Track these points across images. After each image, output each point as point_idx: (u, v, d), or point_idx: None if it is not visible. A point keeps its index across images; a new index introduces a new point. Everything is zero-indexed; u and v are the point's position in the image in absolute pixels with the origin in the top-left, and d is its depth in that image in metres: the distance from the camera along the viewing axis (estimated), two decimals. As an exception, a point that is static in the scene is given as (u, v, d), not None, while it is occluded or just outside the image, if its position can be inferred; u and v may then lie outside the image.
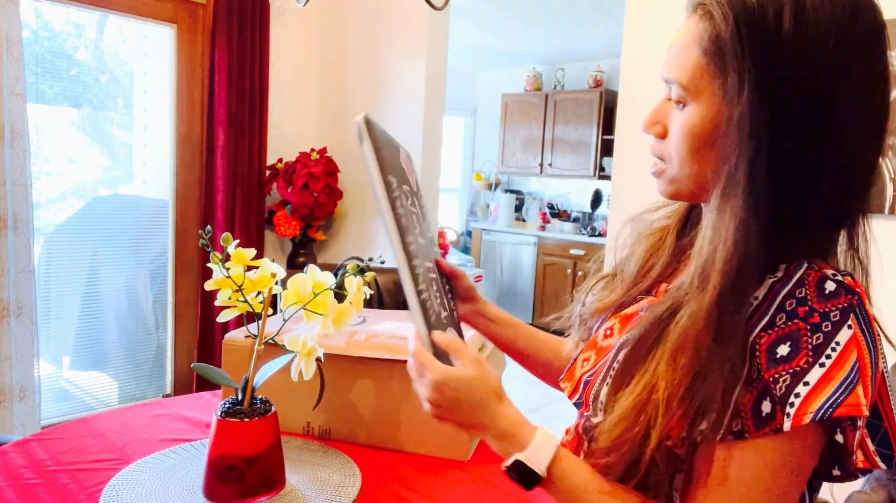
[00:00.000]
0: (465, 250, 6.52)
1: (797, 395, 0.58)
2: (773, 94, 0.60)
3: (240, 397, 1.06)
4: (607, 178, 5.30)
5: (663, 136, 0.71)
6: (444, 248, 5.12)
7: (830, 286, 0.61)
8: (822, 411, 0.57)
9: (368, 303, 1.75)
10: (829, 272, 0.62)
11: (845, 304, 0.60)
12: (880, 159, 0.67)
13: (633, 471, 0.66)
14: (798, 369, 0.58)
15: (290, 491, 1.07)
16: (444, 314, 0.78)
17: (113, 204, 3.04)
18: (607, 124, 5.35)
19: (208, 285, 1.09)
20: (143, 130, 3.06)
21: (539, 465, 0.66)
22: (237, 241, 1.10)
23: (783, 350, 0.59)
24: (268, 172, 3.26)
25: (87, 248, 2.93)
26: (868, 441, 0.64)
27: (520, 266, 5.79)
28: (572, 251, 5.42)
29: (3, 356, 2.47)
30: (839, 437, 0.59)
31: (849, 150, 0.63)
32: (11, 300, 2.46)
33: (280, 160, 3.30)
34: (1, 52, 2.33)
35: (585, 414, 0.76)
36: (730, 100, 0.62)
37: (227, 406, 1.04)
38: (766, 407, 0.59)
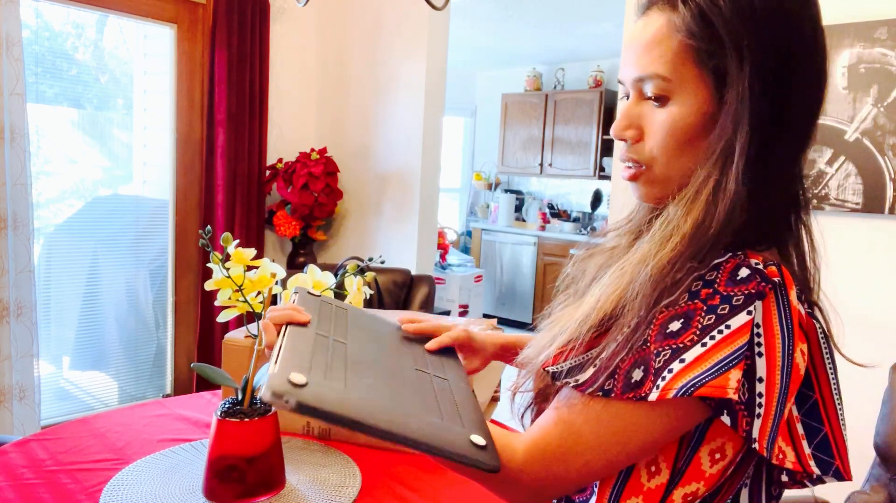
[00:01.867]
0: (465, 250, 6.51)
1: (670, 371, 0.58)
2: (765, 62, 0.61)
3: (240, 397, 1.06)
4: (607, 178, 5.30)
5: (639, 139, 0.69)
6: (443, 249, 5.12)
7: (744, 272, 0.60)
8: (684, 388, 0.57)
9: (368, 304, 1.75)
10: (753, 261, 0.61)
11: (752, 291, 0.59)
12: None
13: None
14: (680, 346, 0.59)
15: (290, 491, 1.07)
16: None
17: (113, 204, 3.04)
18: (607, 124, 5.35)
19: (208, 285, 1.09)
20: (143, 130, 3.06)
21: None
22: (237, 240, 1.10)
23: (674, 326, 0.60)
24: (268, 172, 3.26)
25: (87, 248, 2.93)
26: (804, 443, 0.64)
27: (520, 266, 5.79)
28: (572, 251, 5.41)
29: (3, 356, 2.47)
30: (726, 419, 0.58)
31: (806, 121, 0.64)
32: (11, 300, 2.46)
33: (280, 160, 3.30)
34: (1, 52, 2.33)
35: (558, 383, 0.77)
36: (728, 78, 0.61)
37: (227, 406, 1.04)
38: (637, 375, 0.60)
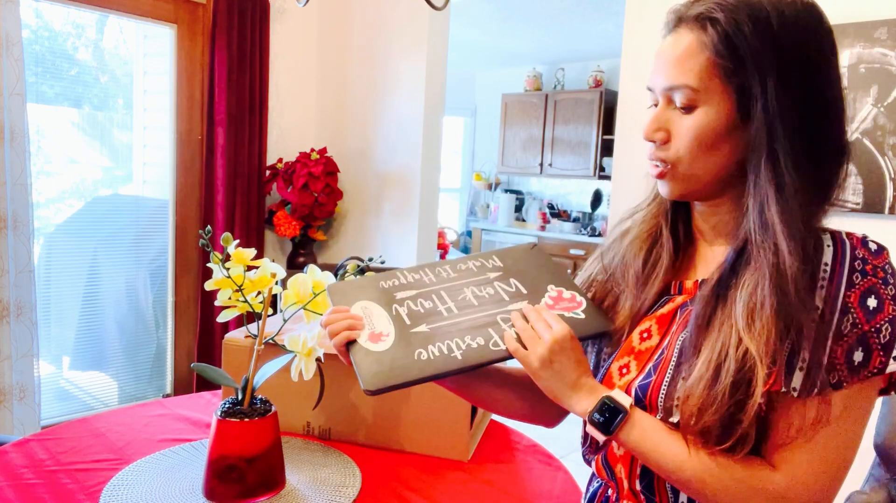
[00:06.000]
0: (465, 250, 6.52)
1: None
2: (789, 77, 0.69)
3: (240, 397, 1.06)
4: (607, 178, 5.30)
5: (666, 141, 0.76)
6: (443, 249, 5.12)
7: (872, 245, 0.70)
8: None
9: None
10: (855, 235, 0.71)
11: (888, 258, 0.70)
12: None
13: (728, 431, 0.69)
14: (892, 316, 0.67)
15: (290, 491, 1.07)
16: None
17: (113, 204, 3.04)
18: (607, 124, 5.35)
19: (208, 285, 1.09)
20: (143, 130, 3.06)
21: (623, 403, 0.73)
22: (237, 240, 1.10)
23: (872, 303, 0.67)
24: (268, 172, 3.26)
25: (87, 248, 2.93)
26: None
27: (520, 266, 5.79)
28: (572, 251, 5.42)
29: (3, 356, 2.47)
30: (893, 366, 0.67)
31: (837, 125, 0.72)
32: (11, 300, 2.46)
33: (280, 160, 3.30)
34: (1, 52, 2.33)
35: (657, 417, 0.75)
36: (752, 93, 0.69)
37: (227, 406, 1.04)
38: (858, 356, 0.67)
